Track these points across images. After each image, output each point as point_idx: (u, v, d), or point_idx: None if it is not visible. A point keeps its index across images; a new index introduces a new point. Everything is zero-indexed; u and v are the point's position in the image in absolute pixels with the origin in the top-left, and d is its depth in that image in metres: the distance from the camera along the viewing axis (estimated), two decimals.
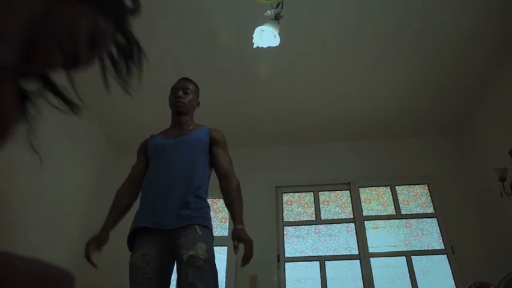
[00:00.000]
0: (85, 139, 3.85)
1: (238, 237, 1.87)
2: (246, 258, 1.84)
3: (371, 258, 3.78)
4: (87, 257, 1.87)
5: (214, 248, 1.96)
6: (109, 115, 3.99)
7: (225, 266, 3.81)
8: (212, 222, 2.06)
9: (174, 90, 2.35)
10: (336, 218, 4.13)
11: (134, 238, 1.99)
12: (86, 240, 1.94)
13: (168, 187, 2.00)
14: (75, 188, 3.65)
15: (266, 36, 2.40)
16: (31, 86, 0.69)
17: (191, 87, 2.36)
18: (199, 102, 2.43)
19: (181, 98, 2.28)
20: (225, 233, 3.99)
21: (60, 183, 3.39)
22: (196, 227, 1.90)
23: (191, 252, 1.79)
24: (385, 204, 4.15)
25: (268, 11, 2.41)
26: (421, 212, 4.06)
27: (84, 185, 3.80)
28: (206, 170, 2.18)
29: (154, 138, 2.29)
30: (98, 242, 1.93)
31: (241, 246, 1.87)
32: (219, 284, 1.91)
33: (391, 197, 4.17)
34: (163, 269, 1.88)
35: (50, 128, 3.29)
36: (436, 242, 3.86)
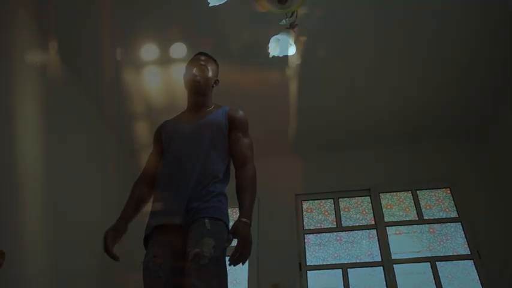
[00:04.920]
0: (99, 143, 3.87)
1: (235, 230, 1.61)
2: (235, 256, 1.57)
3: (394, 265, 3.72)
4: (106, 250, 1.69)
5: None
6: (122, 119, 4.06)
7: (246, 275, 3.80)
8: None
9: (190, 67, 2.09)
10: (357, 224, 4.08)
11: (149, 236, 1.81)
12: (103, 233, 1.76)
13: (180, 179, 1.79)
14: (94, 196, 3.68)
15: (282, 45, 2.42)
16: None
17: (209, 64, 2.10)
18: (217, 81, 2.16)
19: (198, 76, 2.02)
20: None
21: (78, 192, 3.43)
22: (206, 220, 1.65)
23: (196, 250, 1.56)
24: (407, 209, 4.09)
25: (283, 20, 2.43)
26: (444, 216, 3.98)
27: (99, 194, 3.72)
28: (225, 156, 1.95)
29: (168, 124, 2.07)
30: (115, 231, 1.76)
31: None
32: None
33: (413, 202, 4.10)
34: (177, 270, 1.65)
35: (65, 136, 3.36)
36: (461, 247, 3.77)
